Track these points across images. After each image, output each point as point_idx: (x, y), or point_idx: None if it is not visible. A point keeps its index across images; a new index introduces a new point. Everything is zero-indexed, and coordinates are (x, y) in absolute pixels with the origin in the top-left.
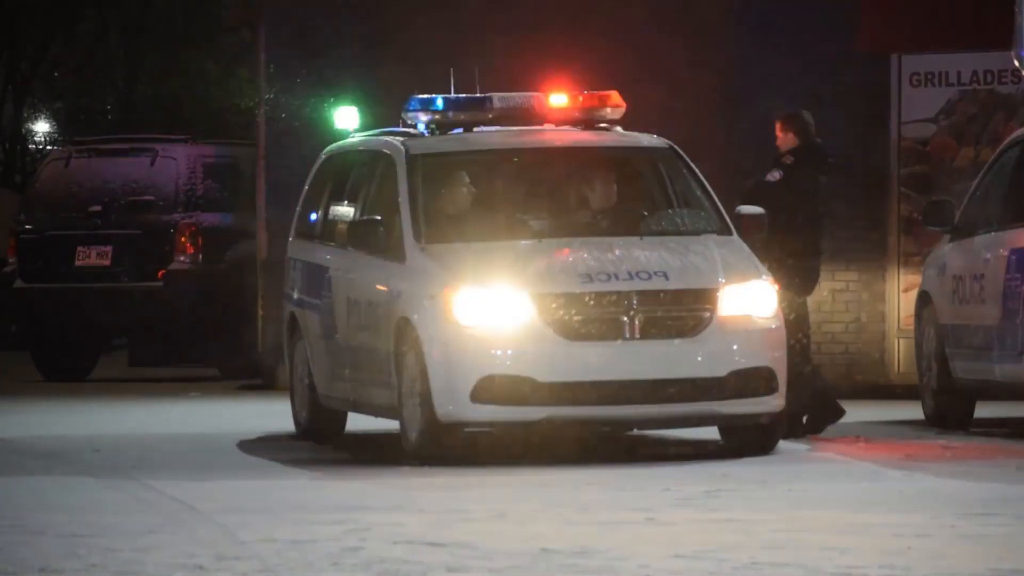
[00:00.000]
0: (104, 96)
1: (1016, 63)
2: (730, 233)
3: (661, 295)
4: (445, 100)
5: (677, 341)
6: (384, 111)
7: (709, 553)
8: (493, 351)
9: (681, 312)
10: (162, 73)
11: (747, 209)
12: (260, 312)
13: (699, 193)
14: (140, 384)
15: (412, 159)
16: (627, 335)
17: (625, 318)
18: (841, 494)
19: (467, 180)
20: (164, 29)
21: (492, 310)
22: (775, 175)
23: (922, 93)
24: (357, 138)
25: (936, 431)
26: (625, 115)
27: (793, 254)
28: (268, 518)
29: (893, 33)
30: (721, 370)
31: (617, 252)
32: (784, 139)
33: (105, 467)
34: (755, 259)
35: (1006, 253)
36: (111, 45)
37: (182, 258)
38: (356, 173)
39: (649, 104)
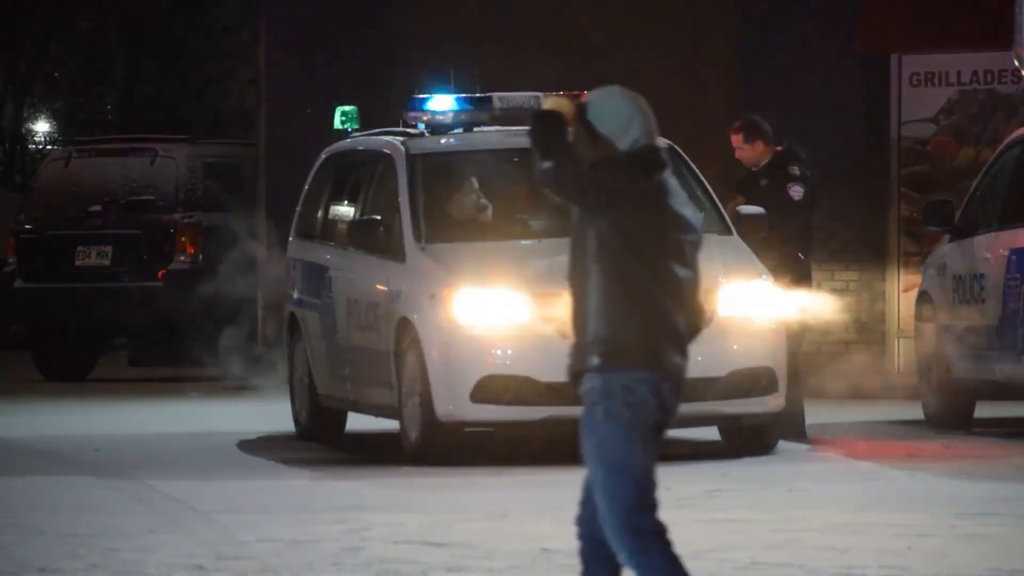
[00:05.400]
0: (104, 96)
1: (1016, 63)
2: (730, 233)
3: None
4: (447, 100)
5: None
6: (384, 111)
7: (709, 553)
8: (493, 351)
9: None
10: (162, 73)
11: (747, 209)
12: (260, 312)
13: (699, 193)
14: (140, 384)
15: (412, 159)
16: None
17: None
18: (841, 494)
19: (476, 187)
20: (164, 29)
21: (492, 310)
22: (798, 190)
23: (922, 93)
24: (357, 138)
25: (936, 431)
26: None
27: (807, 275)
28: (268, 518)
29: (893, 33)
30: (721, 370)
31: None
32: (753, 151)
33: (105, 467)
34: (755, 259)
35: (1006, 253)
36: (111, 45)
37: (182, 258)
38: (356, 173)
39: (649, 104)
